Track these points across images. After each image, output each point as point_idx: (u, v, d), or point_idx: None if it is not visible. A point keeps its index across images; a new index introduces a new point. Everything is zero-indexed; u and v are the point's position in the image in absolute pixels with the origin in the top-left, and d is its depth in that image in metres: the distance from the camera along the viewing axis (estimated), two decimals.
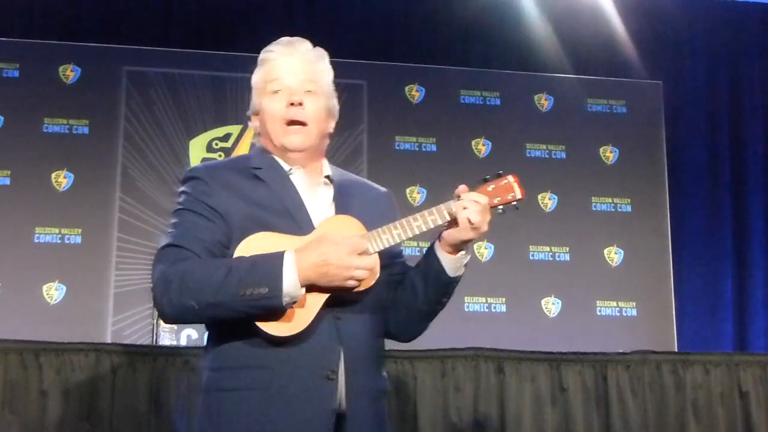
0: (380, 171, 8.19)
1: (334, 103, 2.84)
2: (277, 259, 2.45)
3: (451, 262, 2.65)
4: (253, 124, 2.85)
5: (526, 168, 8.57)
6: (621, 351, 5.16)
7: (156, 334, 5.82)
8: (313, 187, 2.74)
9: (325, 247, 2.46)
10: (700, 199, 9.10)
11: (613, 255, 8.69)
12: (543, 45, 8.86)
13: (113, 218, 7.97)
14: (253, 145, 2.88)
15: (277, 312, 2.45)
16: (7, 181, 7.90)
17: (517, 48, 8.98)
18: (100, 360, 4.65)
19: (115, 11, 8.49)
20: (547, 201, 8.61)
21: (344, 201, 2.73)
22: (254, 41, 9.22)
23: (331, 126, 2.84)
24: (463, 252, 2.66)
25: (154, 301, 2.53)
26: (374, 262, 2.52)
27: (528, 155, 8.69)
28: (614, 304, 8.56)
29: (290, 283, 2.42)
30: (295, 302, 2.46)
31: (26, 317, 7.57)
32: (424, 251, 2.73)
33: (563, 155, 8.76)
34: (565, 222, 8.58)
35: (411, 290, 2.72)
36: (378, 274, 2.55)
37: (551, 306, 8.44)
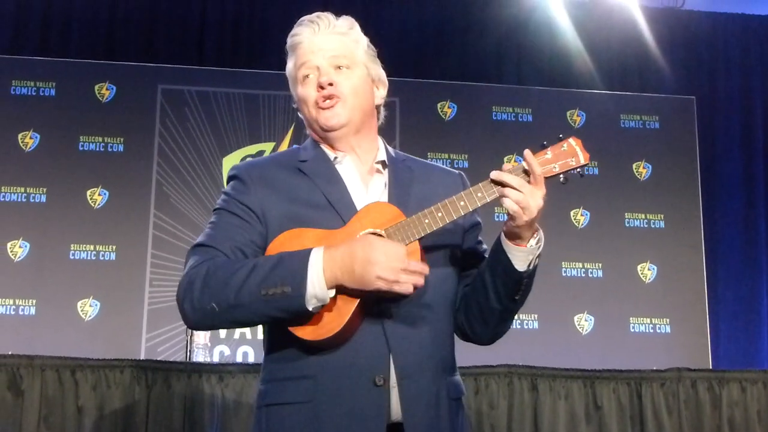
0: None
1: (377, 71, 2.63)
2: (303, 256, 2.25)
3: (520, 254, 2.38)
4: (301, 114, 2.63)
5: (558, 184, 8.53)
6: (655, 368, 5.13)
7: (189, 351, 5.83)
8: (365, 175, 2.53)
9: (356, 244, 2.25)
10: (735, 214, 9.04)
11: (647, 271, 8.64)
12: (575, 61, 8.85)
13: (147, 235, 8.01)
14: (306, 137, 2.68)
15: (302, 315, 2.26)
16: (44, 199, 7.96)
17: (549, 64, 8.98)
18: (136, 376, 4.69)
19: (150, 30, 8.57)
20: (580, 217, 8.58)
21: (399, 188, 2.51)
22: (287, 60, 9.31)
23: (380, 96, 2.63)
24: (535, 239, 2.40)
25: (177, 305, 2.36)
26: (406, 262, 2.24)
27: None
28: (648, 320, 8.50)
29: (315, 282, 2.22)
30: (323, 305, 2.26)
31: (61, 333, 7.62)
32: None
33: (596, 171, 8.73)
34: (598, 238, 8.54)
35: (481, 287, 2.45)
36: (423, 275, 2.27)
37: (584, 323, 8.40)
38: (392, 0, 8.96)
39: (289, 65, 2.63)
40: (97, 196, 8.04)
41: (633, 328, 8.47)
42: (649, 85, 9.09)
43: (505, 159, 8.61)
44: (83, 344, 7.28)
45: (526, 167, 2.39)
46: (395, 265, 2.22)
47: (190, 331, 5.87)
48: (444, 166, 2.74)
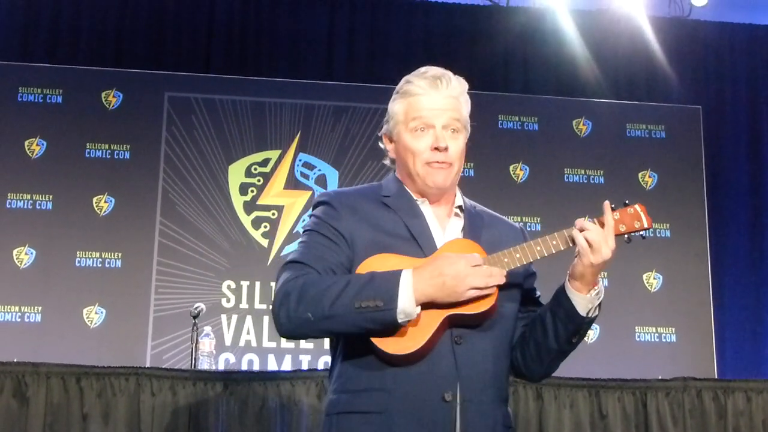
0: None
1: (469, 129, 2.83)
2: (394, 274, 2.46)
3: (582, 301, 2.67)
4: (386, 146, 2.82)
5: (564, 193, 8.55)
6: (661, 377, 5.13)
7: (195, 358, 5.84)
8: (443, 217, 2.75)
9: (440, 262, 2.47)
10: (740, 224, 9.03)
11: (652, 280, 8.63)
12: (582, 70, 8.85)
13: (153, 242, 8.03)
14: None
15: (391, 328, 2.45)
16: (50, 206, 7.98)
17: (555, 73, 8.99)
18: (141, 384, 4.69)
19: (157, 38, 8.60)
20: None
21: (474, 231, 2.73)
22: (294, 67, 9.38)
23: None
24: (595, 290, 2.69)
25: (272, 314, 2.54)
26: (490, 272, 2.49)
27: (566, 180, 8.67)
28: (653, 329, 8.49)
29: (405, 298, 2.42)
30: (409, 320, 2.45)
31: (67, 340, 7.62)
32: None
33: (602, 180, 8.73)
34: None
35: (541, 328, 2.70)
36: (496, 293, 2.51)
37: (589, 331, 8.37)
38: (400, 8, 8.98)
39: (397, 107, 2.76)
40: (103, 203, 8.05)
41: (638, 337, 8.45)
42: (656, 95, 9.09)
43: (511, 167, 8.61)
44: (89, 351, 7.29)
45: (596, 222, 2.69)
46: (481, 272, 2.48)
47: (195, 338, 5.87)
48: (507, 219, 2.96)
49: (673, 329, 8.50)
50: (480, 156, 8.55)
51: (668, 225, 8.74)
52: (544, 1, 8.87)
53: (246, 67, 8.61)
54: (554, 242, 2.62)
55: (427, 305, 2.47)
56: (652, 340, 8.47)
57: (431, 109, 2.70)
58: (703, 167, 8.91)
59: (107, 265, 7.95)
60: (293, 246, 7.98)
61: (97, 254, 7.96)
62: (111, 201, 8.07)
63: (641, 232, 2.74)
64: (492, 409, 2.59)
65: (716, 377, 7.92)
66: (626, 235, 2.73)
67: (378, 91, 7.95)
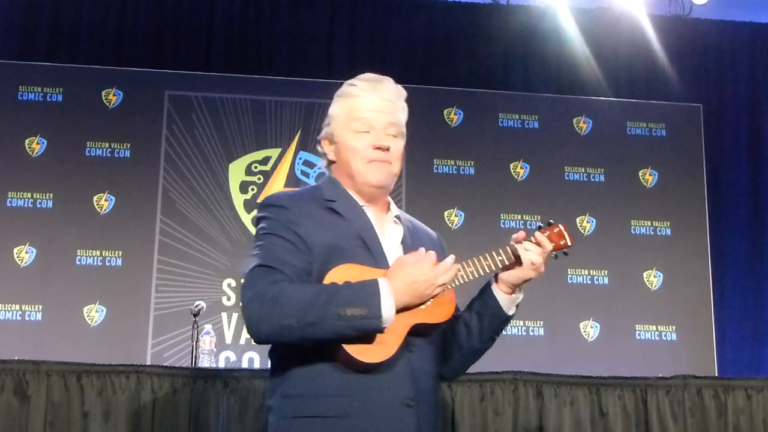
0: (418, 194, 8.22)
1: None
2: (372, 284, 2.54)
3: (507, 301, 2.79)
4: (325, 148, 2.90)
5: (565, 191, 8.56)
6: (661, 375, 5.13)
7: (195, 356, 5.84)
8: (382, 224, 2.83)
9: (409, 268, 2.58)
10: (741, 222, 9.03)
11: (653, 278, 8.63)
12: (582, 68, 8.85)
13: (154, 241, 8.03)
14: (321, 175, 2.93)
15: (370, 335, 2.53)
16: (50, 204, 7.99)
17: (556, 71, 8.99)
18: (141, 382, 4.69)
19: (157, 36, 8.60)
20: (586, 224, 8.58)
21: (413, 241, 2.82)
22: (294, 66, 9.37)
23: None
24: (519, 292, 2.81)
25: (247, 320, 2.55)
26: (449, 267, 2.63)
27: (567, 178, 8.67)
28: (654, 328, 8.49)
29: (387, 305, 2.51)
30: (385, 327, 2.53)
31: (67, 339, 7.63)
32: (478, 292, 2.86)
33: (602, 178, 8.73)
34: (603, 245, 8.53)
35: (465, 329, 2.83)
36: (454, 298, 2.73)
37: (590, 330, 8.40)
38: (400, 7, 8.98)
39: (338, 109, 2.88)
40: (103, 202, 8.05)
41: (639, 335, 8.46)
42: (656, 93, 9.09)
43: (511, 165, 8.61)
44: (89, 350, 7.27)
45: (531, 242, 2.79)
46: (442, 268, 2.61)
47: (195, 336, 5.88)
48: (425, 227, 3.04)
49: (674, 327, 8.51)
50: (480, 154, 8.57)
51: (669, 223, 8.75)
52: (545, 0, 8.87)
53: (246, 65, 8.61)
54: (500, 258, 2.74)
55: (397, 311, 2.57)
56: (653, 338, 8.47)
57: (372, 111, 2.81)
58: (703, 165, 8.92)
59: (108, 264, 7.96)
60: None
61: (98, 253, 7.96)
62: (111, 199, 8.07)
63: (564, 250, 2.85)
64: (435, 413, 2.74)
65: (716, 375, 7.92)
66: (554, 252, 2.83)
67: None
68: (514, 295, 2.80)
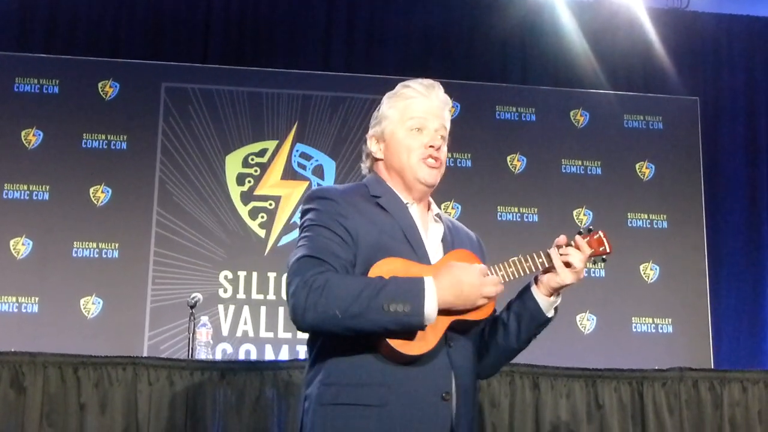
0: None
1: None
2: (418, 281, 2.60)
3: (547, 304, 2.87)
4: (372, 147, 3.01)
5: (562, 184, 8.57)
6: (657, 368, 5.13)
7: (192, 348, 5.84)
8: (426, 222, 2.93)
9: (457, 271, 2.64)
10: (738, 215, 9.04)
11: (649, 271, 8.64)
12: (579, 61, 8.85)
13: (150, 233, 8.03)
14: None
15: (413, 331, 2.59)
16: (47, 196, 7.98)
17: (553, 64, 8.98)
18: (138, 374, 4.69)
19: (154, 28, 8.58)
20: (583, 217, 8.58)
21: (454, 240, 2.93)
22: (292, 58, 9.36)
23: None
24: (558, 296, 2.90)
25: (293, 308, 2.60)
26: (499, 282, 2.71)
27: (563, 171, 8.67)
28: (650, 320, 8.50)
29: (431, 304, 2.56)
30: (427, 325, 2.58)
31: (64, 331, 7.63)
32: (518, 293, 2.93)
33: (599, 171, 8.73)
34: None
35: (502, 329, 2.92)
36: (495, 300, 2.76)
37: (586, 322, 8.41)
38: None
39: (393, 109, 2.96)
40: (100, 194, 8.05)
41: (635, 327, 8.47)
42: (653, 86, 9.09)
43: (508, 158, 8.61)
44: (86, 342, 7.28)
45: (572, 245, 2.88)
46: (491, 280, 2.69)
47: (192, 328, 5.88)
48: (464, 226, 3.13)
49: (670, 320, 8.52)
50: (477, 146, 8.56)
51: (665, 216, 8.76)
52: None
53: (243, 57, 8.60)
54: (540, 260, 2.83)
55: (447, 309, 2.64)
56: (649, 330, 8.48)
57: (426, 112, 2.91)
58: (700, 158, 8.92)
59: (104, 256, 7.96)
60: (290, 237, 8.06)
61: (94, 245, 7.96)
62: (108, 191, 8.07)
63: (603, 256, 2.95)
64: (473, 405, 2.83)
65: (713, 368, 7.93)
66: (592, 258, 2.93)
67: (376, 82, 8.00)
68: (552, 298, 2.88)
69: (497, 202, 8.45)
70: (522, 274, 2.81)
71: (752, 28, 9.39)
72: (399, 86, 2.99)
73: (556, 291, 2.87)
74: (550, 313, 2.89)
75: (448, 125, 2.97)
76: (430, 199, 3.01)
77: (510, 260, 2.80)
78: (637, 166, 8.82)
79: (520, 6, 8.89)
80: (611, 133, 8.84)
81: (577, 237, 2.87)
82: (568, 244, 2.85)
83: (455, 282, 2.62)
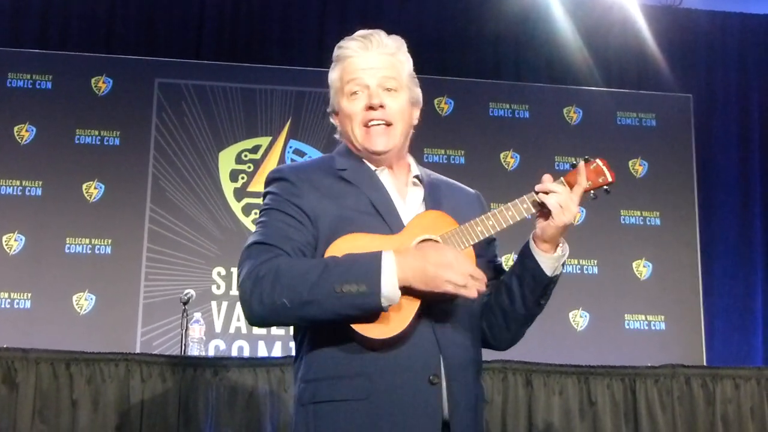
0: None
1: (417, 92, 2.71)
2: (375, 257, 2.33)
3: (548, 261, 2.57)
4: (334, 121, 2.72)
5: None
6: (650, 364, 5.14)
7: (185, 345, 5.84)
8: (402, 187, 2.65)
9: (427, 250, 2.37)
10: (730, 212, 9.06)
11: (642, 268, 8.65)
12: (573, 58, 8.85)
13: (143, 229, 8.02)
14: (337, 144, 2.75)
15: (372, 314, 2.33)
16: (39, 192, 7.96)
17: (546, 61, 8.99)
18: (130, 370, 4.69)
19: (147, 24, 8.56)
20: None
21: (435, 201, 2.63)
22: (285, 54, 9.34)
23: (416, 117, 2.73)
24: (560, 249, 2.58)
25: (242, 300, 2.41)
26: (472, 271, 2.37)
27: (557, 168, 8.65)
28: (643, 317, 8.51)
29: (388, 282, 2.29)
30: (391, 305, 2.32)
31: (57, 327, 7.62)
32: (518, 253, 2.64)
33: None
34: (593, 235, 8.53)
35: (507, 294, 2.62)
36: (484, 282, 2.41)
37: (579, 319, 8.42)
38: None
39: (333, 75, 2.68)
40: (93, 190, 8.03)
41: (628, 324, 8.48)
42: (647, 83, 9.10)
43: (501, 155, 8.61)
44: (78, 338, 7.26)
45: (563, 182, 2.57)
46: (465, 270, 2.36)
47: (185, 325, 5.88)
48: (462, 185, 2.86)
49: (663, 317, 8.53)
50: (471, 143, 8.57)
51: (658, 213, 8.77)
52: None
53: (237, 53, 8.58)
54: (524, 206, 2.55)
55: (407, 289, 2.35)
56: (642, 328, 8.49)
57: (362, 68, 2.61)
58: (693, 156, 8.93)
59: (97, 252, 7.94)
60: None
61: (87, 241, 7.94)
62: (101, 187, 8.05)
63: (605, 187, 2.63)
64: (473, 386, 2.54)
65: (705, 365, 7.95)
66: (592, 192, 2.61)
67: None
68: (556, 253, 2.57)
69: (490, 199, 8.35)
70: (504, 225, 2.52)
71: (745, 26, 9.40)
72: (336, 47, 2.69)
73: (555, 241, 2.55)
74: (552, 272, 2.57)
75: (400, 71, 2.65)
76: (410, 161, 2.73)
77: (490, 212, 2.53)
78: (630, 163, 8.83)
79: (513, 3, 8.88)
80: (604, 130, 8.85)
81: (566, 175, 2.56)
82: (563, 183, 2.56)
83: (419, 257, 2.33)
